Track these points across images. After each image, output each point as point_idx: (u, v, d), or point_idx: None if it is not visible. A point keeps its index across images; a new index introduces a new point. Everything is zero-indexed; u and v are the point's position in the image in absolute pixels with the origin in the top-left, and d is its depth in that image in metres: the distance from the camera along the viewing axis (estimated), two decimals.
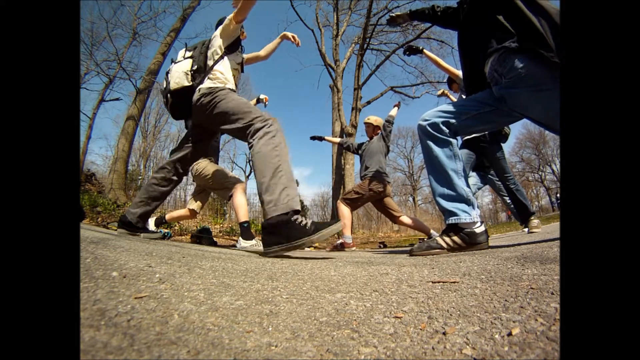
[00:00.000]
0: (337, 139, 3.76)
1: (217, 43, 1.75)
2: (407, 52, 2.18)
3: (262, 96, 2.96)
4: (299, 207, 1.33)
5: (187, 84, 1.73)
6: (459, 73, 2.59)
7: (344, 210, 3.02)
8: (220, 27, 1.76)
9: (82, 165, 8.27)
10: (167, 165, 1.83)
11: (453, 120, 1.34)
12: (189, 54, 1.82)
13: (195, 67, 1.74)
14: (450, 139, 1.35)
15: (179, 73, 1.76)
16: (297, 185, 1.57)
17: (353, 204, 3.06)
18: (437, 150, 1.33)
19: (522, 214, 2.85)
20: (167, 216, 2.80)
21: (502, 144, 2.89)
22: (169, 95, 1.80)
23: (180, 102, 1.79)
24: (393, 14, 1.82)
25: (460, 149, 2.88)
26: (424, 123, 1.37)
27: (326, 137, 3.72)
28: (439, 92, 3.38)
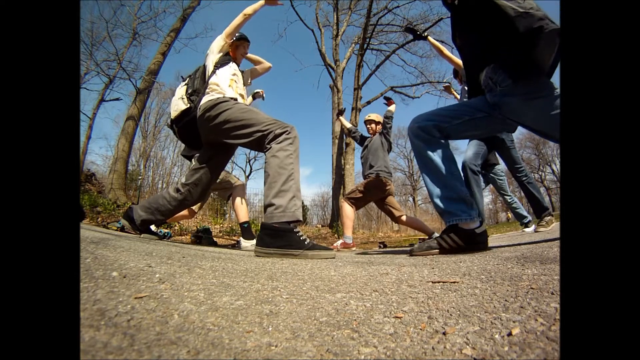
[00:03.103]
0: (349, 124, 3.75)
1: (210, 60, 1.79)
2: (411, 34, 2.15)
3: (258, 91, 2.79)
4: (301, 218, 1.39)
5: (184, 106, 1.76)
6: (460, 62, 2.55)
7: (347, 209, 3.00)
8: (211, 46, 1.82)
9: (82, 165, 8.27)
10: (182, 187, 1.82)
11: (445, 125, 1.33)
12: (183, 83, 1.87)
13: (190, 91, 1.77)
14: (442, 141, 1.35)
15: (175, 101, 1.80)
16: None
17: (357, 203, 3.03)
18: (430, 152, 1.32)
19: (535, 208, 2.68)
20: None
21: (511, 134, 2.76)
22: (173, 125, 1.82)
23: (186, 127, 1.80)
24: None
25: (470, 139, 2.81)
26: (415, 125, 1.37)
27: (342, 118, 3.81)
28: (444, 86, 3.31)
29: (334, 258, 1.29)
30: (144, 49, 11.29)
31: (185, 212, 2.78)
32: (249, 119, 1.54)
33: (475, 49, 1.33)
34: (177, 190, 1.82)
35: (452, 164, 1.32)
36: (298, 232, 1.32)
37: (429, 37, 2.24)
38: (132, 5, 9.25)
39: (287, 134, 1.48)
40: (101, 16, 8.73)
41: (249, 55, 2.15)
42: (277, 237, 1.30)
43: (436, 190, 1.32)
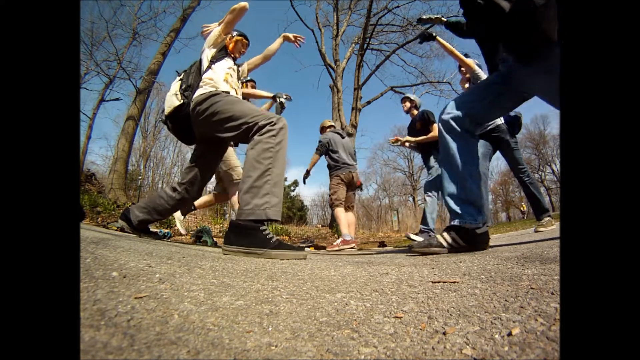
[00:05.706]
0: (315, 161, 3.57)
1: (205, 55, 1.77)
2: (421, 40, 2.18)
3: (281, 94, 2.45)
4: (277, 217, 1.33)
5: (177, 103, 1.71)
6: (470, 62, 2.56)
7: (335, 211, 3.19)
8: (207, 40, 1.79)
9: (82, 165, 8.27)
10: (178, 187, 1.81)
11: (475, 110, 1.31)
12: (178, 78, 1.83)
13: (184, 87, 1.73)
14: (474, 139, 1.34)
15: (169, 97, 1.77)
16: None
17: (337, 202, 3.21)
18: (457, 149, 1.31)
19: (535, 209, 2.72)
20: (196, 203, 2.87)
21: (515, 135, 2.78)
22: (167, 122, 1.80)
23: (181, 124, 1.77)
24: (424, 16, 1.94)
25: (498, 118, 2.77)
26: (447, 117, 1.32)
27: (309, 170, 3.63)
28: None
29: (304, 259, 1.23)
30: (144, 49, 11.26)
31: (211, 198, 2.93)
32: (237, 110, 1.50)
33: (489, 42, 1.35)
34: (174, 189, 1.81)
35: (474, 167, 1.31)
36: (264, 230, 1.27)
37: (438, 37, 2.24)
38: (132, 5, 9.24)
39: (272, 125, 1.41)
40: (101, 16, 8.72)
41: (255, 60, 2.14)
42: (242, 235, 1.26)
43: (450, 188, 1.31)
